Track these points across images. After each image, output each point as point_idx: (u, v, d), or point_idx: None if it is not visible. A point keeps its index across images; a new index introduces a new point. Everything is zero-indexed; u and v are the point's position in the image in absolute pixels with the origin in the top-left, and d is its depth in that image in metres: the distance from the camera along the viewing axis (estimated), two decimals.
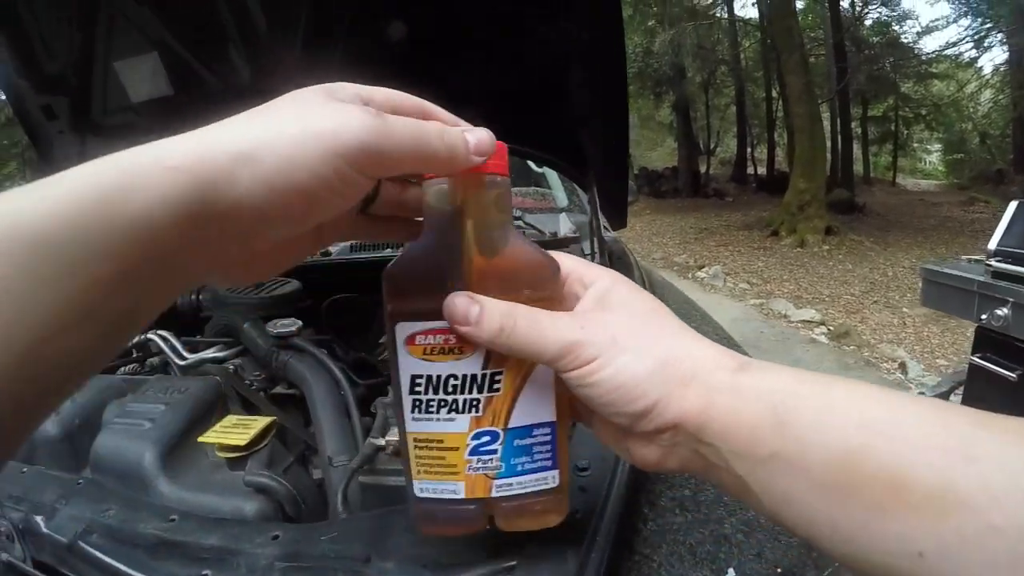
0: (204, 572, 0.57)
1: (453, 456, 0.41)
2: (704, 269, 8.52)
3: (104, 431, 0.80)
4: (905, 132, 19.33)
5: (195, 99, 1.36)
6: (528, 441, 0.41)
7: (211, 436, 0.72)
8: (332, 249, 1.70)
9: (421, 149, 0.34)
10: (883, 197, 15.08)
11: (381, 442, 0.74)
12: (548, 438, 0.41)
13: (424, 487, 0.42)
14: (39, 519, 0.67)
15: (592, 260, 1.29)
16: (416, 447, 0.41)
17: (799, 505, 0.32)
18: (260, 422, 0.74)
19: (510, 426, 0.40)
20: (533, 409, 0.41)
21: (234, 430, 0.73)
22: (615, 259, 1.40)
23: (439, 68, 1.25)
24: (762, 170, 17.72)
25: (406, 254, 0.41)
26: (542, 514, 0.43)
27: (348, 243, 1.70)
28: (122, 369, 1.27)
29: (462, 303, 0.37)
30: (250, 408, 1.06)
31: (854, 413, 0.32)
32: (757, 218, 11.38)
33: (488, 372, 0.39)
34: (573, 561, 0.48)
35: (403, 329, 0.39)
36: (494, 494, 0.41)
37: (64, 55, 1.21)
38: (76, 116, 1.32)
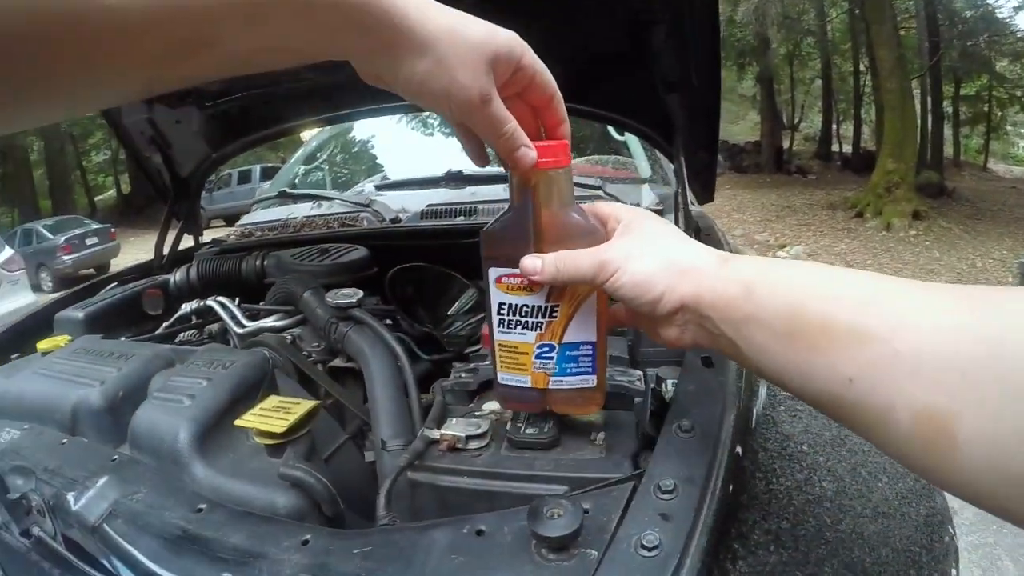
0: (223, 575, 0.52)
1: (524, 359, 0.60)
2: (785, 249, 8.19)
3: (144, 405, 0.76)
4: (999, 114, 18.20)
5: None
6: (575, 353, 0.59)
7: (249, 419, 0.66)
8: (402, 216, 1.64)
9: (495, 140, 0.50)
10: (973, 182, 14.23)
11: (436, 435, 0.66)
12: (590, 352, 0.59)
13: (504, 377, 0.61)
14: (70, 496, 0.64)
15: None
16: (500, 350, 0.60)
17: (768, 354, 0.43)
18: (302, 406, 0.67)
19: (563, 342, 0.58)
20: (580, 331, 0.58)
21: (274, 414, 0.66)
22: (702, 235, 1.27)
23: (518, 26, 1.16)
24: (847, 148, 17.01)
25: (497, 220, 0.57)
26: (583, 405, 0.62)
27: (418, 211, 1.63)
28: (182, 335, 1.25)
29: (529, 261, 0.54)
30: (306, 381, 1.01)
31: (800, 281, 0.43)
32: (841, 198, 10.81)
33: (549, 304, 0.57)
34: None
35: (494, 272, 0.57)
36: (550, 387, 0.60)
37: None
38: None
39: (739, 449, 0.57)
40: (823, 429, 0.78)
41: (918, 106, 12.57)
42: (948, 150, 16.59)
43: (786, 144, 17.18)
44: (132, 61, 0.34)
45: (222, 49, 0.37)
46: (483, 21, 0.48)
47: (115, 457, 0.71)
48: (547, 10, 1.13)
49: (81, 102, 0.37)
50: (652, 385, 0.75)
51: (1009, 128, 20.27)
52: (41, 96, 0.32)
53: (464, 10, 0.47)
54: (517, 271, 0.55)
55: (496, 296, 0.58)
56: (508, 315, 0.58)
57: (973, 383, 0.32)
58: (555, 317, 0.57)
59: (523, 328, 0.58)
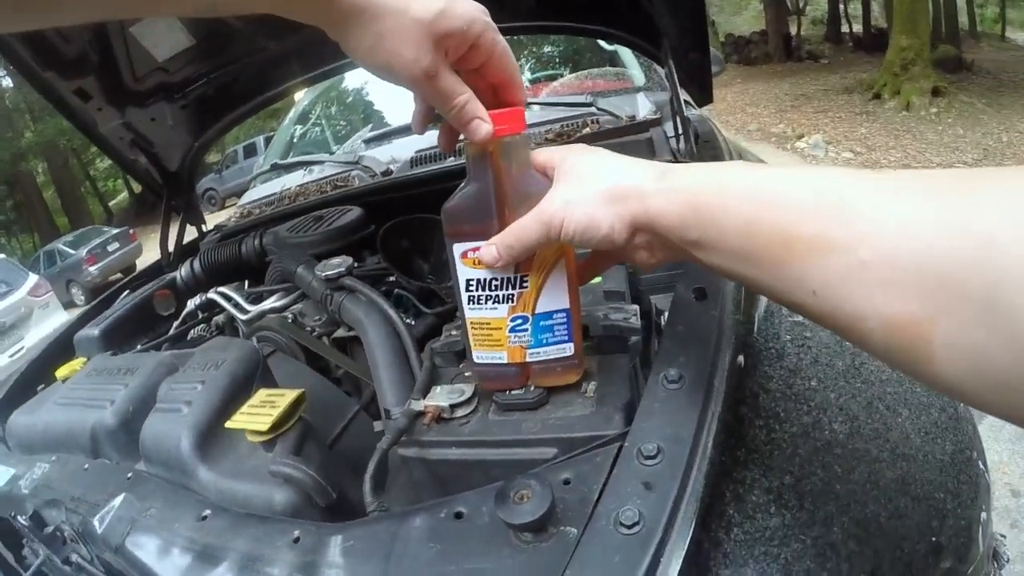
0: None
1: (498, 334, 0.58)
2: (804, 139, 7.92)
3: (149, 417, 0.77)
4: None
5: (219, 40, 1.31)
6: (549, 323, 0.57)
7: (238, 420, 0.66)
8: (392, 168, 1.61)
9: (446, 113, 0.52)
10: (992, 53, 13.31)
11: (420, 406, 0.62)
12: (564, 320, 0.57)
13: (480, 356, 0.60)
14: (95, 521, 0.66)
15: (677, 142, 1.17)
16: (472, 328, 0.59)
17: (732, 271, 0.42)
18: (286, 398, 0.66)
19: (536, 312, 0.57)
20: (552, 300, 0.57)
21: (261, 410, 0.66)
22: (701, 141, 1.20)
23: None
24: (858, 28, 16.08)
25: (456, 195, 0.56)
26: (563, 374, 0.60)
27: (408, 159, 1.60)
28: (192, 332, 1.26)
29: (486, 252, 0.53)
30: (313, 357, 1.01)
31: (748, 192, 0.40)
32: (857, 80, 10.34)
33: (518, 276, 0.56)
34: None
35: (458, 248, 0.56)
36: (528, 360, 0.59)
37: (78, 35, 1.16)
38: (109, 91, 1.29)
39: (733, 407, 0.53)
40: (835, 358, 0.71)
41: None
42: (963, 21, 15.58)
43: (793, 30, 16.25)
44: None
45: None
46: None
47: (129, 475, 0.73)
48: None
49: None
50: (654, 316, 0.72)
51: None
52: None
53: None
54: (481, 244, 0.54)
55: (463, 272, 0.57)
56: (477, 291, 0.57)
57: (954, 287, 0.29)
58: (525, 287, 0.56)
59: (494, 302, 0.57)
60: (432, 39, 0.48)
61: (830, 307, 0.35)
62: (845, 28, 16.48)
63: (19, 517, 0.75)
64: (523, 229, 0.51)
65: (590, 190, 0.48)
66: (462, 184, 0.56)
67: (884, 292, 0.32)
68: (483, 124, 0.51)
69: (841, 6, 16.53)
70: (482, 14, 0.51)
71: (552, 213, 0.49)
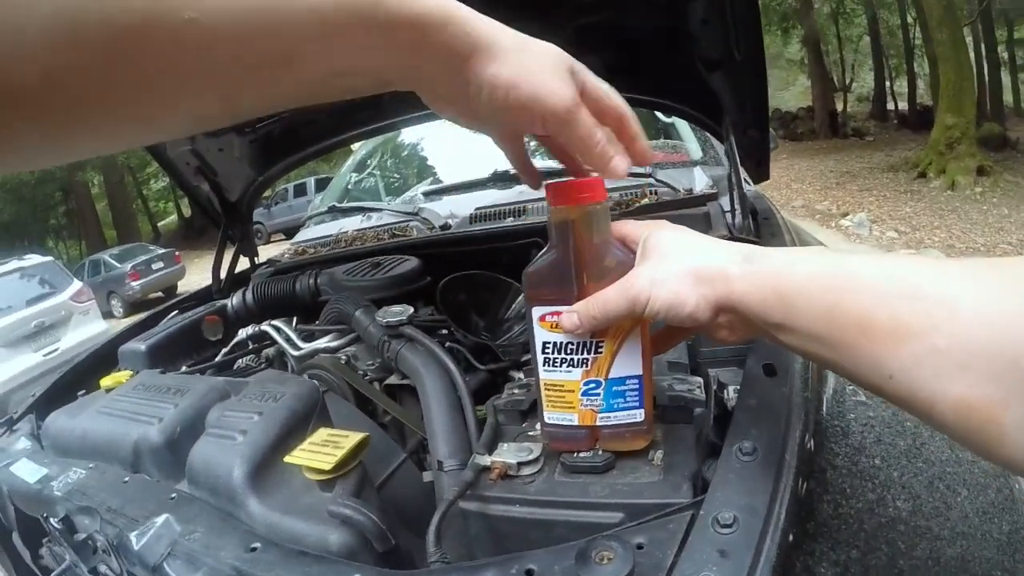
0: None
1: (570, 396, 0.59)
2: (848, 217, 7.92)
3: (200, 441, 0.77)
4: None
5: None
6: (622, 388, 0.58)
7: (298, 456, 0.65)
8: (451, 222, 1.64)
9: (589, 149, 0.50)
10: None
11: (487, 461, 0.63)
12: (636, 387, 0.58)
13: (551, 416, 0.61)
14: (132, 536, 0.66)
15: (732, 218, 1.18)
16: (545, 389, 0.60)
17: (812, 353, 0.43)
18: (351, 439, 0.66)
19: (609, 377, 0.58)
20: (625, 366, 0.57)
21: (323, 449, 0.66)
22: (759, 217, 1.22)
23: (555, 17, 1.15)
24: (903, 105, 16.45)
25: (538, 259, 0.58)
26: (631, 440, 0.60)
27: (467, 215, 1.63)
28: (240, 361, 1.27)
29: (566, 319, 0.55)
30: (363, 401, 1.01)
31: (829, 278, 0.41)
32: (902, 158, 10.55)
33: (593, 341, 0.57)
34: None
35: (537, 311, 0.58)
36: (598, 423, 0.60)
37: None
38: None
39: (803, 481, 0.53)
40: (897, 438, 0.72)
41: (972, 55, 11.94)
42: (1007, 98, 15.72)
43: (839, 107, 16.64)
44: (212, 78, 0.34)
45: (300, 68, 0.37)
46: None
47: (173, 495, 0.73)
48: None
49: (157, 126, 0.36)
50: (715, 389, 0.71)
51: None
52: (116, 115, 0.32)
53: (507, 10, 0.47)
54: (561, 308, 0.55)
55: (540, 335, 0.58)
56: (553, 353, 0.58)
57: (1022, 370, 0.31)
58: (600, 353, 0.57)
59: (568, 366, 0.58)
60: (568, 70, 0.48)
61: (906, 391, 0.36)
62: (891, 105, 16.79)
63: (51, 519, 0.75)
64: (608, 302, 0.52)
65: (676, 269, 0.49)
66: (544, 249, 0.58)
67: (957, 378, 0.33)
68: (623, 160, 0.52)
69: (887, 83, 16.83)
70: None
71: (639, 289, 0.50)
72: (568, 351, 0.58)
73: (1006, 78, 16.00)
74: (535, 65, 0.46)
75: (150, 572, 0.62)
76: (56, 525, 0.74)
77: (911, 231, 7.12)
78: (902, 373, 0.36)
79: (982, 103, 12.36)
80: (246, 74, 0.35)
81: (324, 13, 0.36)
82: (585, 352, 0.57)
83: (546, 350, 0.59)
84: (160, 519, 0.67)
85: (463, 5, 0.43)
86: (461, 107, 0.49)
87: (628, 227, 0.57)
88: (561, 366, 0.58)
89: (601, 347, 0.57)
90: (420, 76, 0.46)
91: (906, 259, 0.40)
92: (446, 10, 0.42)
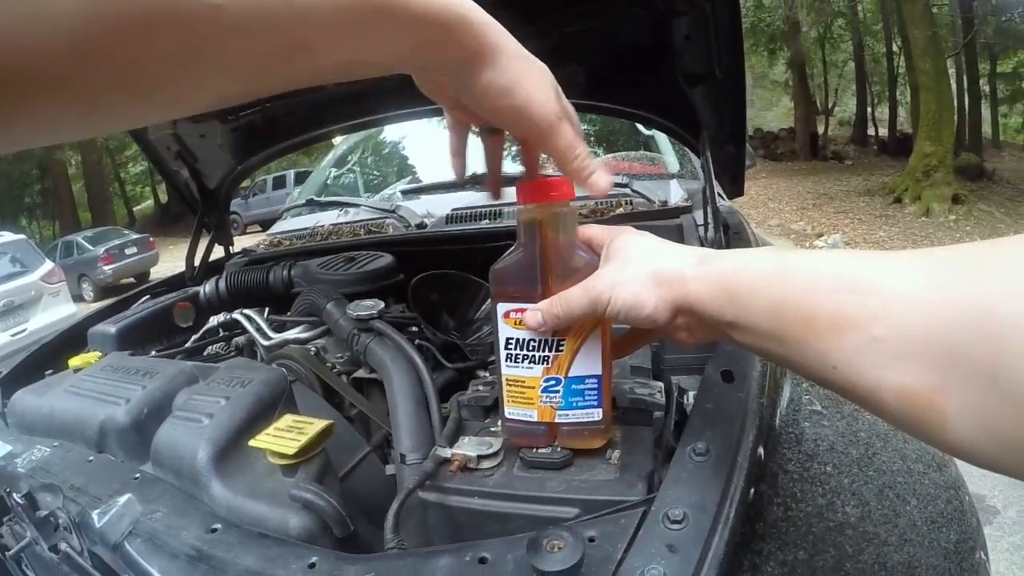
0: None
1: (531, 392, 0.61)
2: (823, 238, 8.09)
3: (165, 423, 0.77)
4: None
5: None
6: (581, 387, 0.60)
7: (263, 440, 0.66)
8: (427, 221, 1.65)
9: (567, 163, 0.53)
10: (1014, 163, 13.67)
11: (447, 453, 0.64)
12: (595, 386, 0.60)
13: (511, 412, 0.63)
14: (95, 514, 0.66)
15: (705, 231, 1.20)
16: (507, 384, 0.62)
17: (761, 350, 0.45)
18: (315, 426, 0.67)
19: (569, 375, 0.59)
20: (585, 365, 0.59)
21: (287, 434, 0.67)
22: (731, 232, 1.24)
23: (542, 23, 1.16)
24: (884, 131, 16.60)
25: (506, 257, 0.59)
26: (589, 438, 0.62)
27: (443, 215, 1.64)
28: (210, 348, 1.27)
29: (530, 316, 0.56)
30: (331, 393, 1.02)
31: (775, 275, 0.43)
32: (879, 183, 10.68)
33: (555, 339, 0.58)
34: None
35: (502, 307, 0.59)
36: (557, 420, 0.61)
37: None
38: None
39: (754, 483, 0.55)
40: (849, 447, 0.74)
41: (954, 85, 12.22)
42: (986, 130, 16.12)
43: (821, 129, 16.84)
44: (235, 63, 0.34)
45: (320, 56, 0.38)
46: None
47: (137, 475, 0.73)
48: (569, 8, 1.13)
49: (176, 105, 0.37)
50: (675, 395, 0.73)
51: None
52: (139, 94, 0.32)
53: (494, 12, 0.48)
54: (524, 305, 0.57)
55: (504, 331, 0.60)
56: (515, 349, 0.60)
57: (961, 357, 0.31)
58: (561, 351, 0.59)
59: (530, 362, 0.60)
60: (553, 86, 0.51)
61: (849, 381, 0.38)
62: (871, 131, 17.01)
63: (13, 494, 0.75)
64: (571, 301, 0.53)
65: (637, 271, 0.51)
66: (511, 248, 0.60)
67: (897, 366, 0.34)
68: (603, 176, 0.54)
69: (869, 109, 17.08)
70: None
71: (601, 290, 0.52)
72: (530, 348, 0.59)
73: (986, 111, 16.42)
74: (530, 77, 0.49)
75: (111, 550, 0.63)
76: (19, 500, 0.73)
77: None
78: (844, 364, 0.37)
79: (961, 133, 12.62)
80: (269, 60, 0.36)
81: (351, 5, 0.37)
82: (546, 349, 0.59)
83: (509, 346, 0.60)
84: (123, 498, 0.67)
85: (479, 7, 0.46)
86: (453, 100, 0.53)
87: (593, 231, 0.59)
88: (523, 362, 0.60)
89: (562, 345, 0.58)
90: (428, 67, 0.48)
91: (856, 253, 0.41)
92: (470, 11, 0.45)
